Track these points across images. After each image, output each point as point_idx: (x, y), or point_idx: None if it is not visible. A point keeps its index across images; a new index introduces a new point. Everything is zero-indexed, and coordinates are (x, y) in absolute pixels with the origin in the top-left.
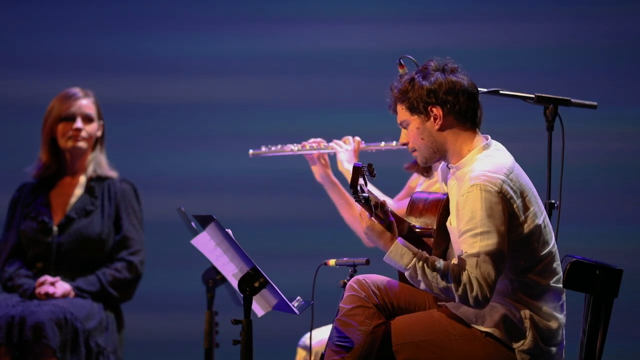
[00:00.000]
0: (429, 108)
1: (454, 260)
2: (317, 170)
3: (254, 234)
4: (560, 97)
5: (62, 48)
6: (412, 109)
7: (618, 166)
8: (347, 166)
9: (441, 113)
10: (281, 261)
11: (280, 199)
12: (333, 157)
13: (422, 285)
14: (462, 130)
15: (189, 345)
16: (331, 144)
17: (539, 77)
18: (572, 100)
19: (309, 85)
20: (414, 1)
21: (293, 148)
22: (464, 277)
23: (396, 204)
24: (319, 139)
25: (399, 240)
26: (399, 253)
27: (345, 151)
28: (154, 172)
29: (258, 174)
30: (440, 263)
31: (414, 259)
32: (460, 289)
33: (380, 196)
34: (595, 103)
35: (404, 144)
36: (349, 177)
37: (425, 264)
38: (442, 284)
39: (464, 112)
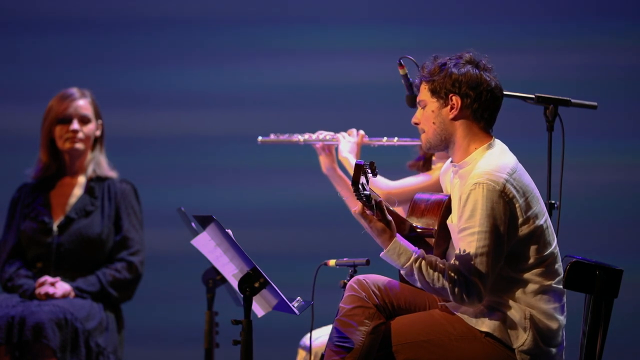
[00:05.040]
0: (450, 96)
1: (451, 260)
2: (323, 162)
3: (254, 234)
4: (560, 98)
5: (57, 79)
6: (434, 92)
7: (619, 166)
8: (345, 155)
9: (459, 104)
10: (281, 261)
11: (281, 200)
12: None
13: (419, 284)
14: (475, 127)
15: (189, 346)
16: (336, 135)
17: (540, 80)
18: (572, 100)
19: (311, 117)
20: (410, 33)
21: (300, 138)
22: (460, 278)
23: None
24: (326, 132)
25: (398, 239)
26: (396, 252)
27: (348, 142)
28: (153, 202)
29: (261, 172)
30: (437, 263)
31: (411, 259)
32: (456, 289)
33: (384, 186)
34: (595, 103)
35: (415, 123)
36: (347, 165)
37: (421, 264)
38: (438, 284)
39: (481, 110)
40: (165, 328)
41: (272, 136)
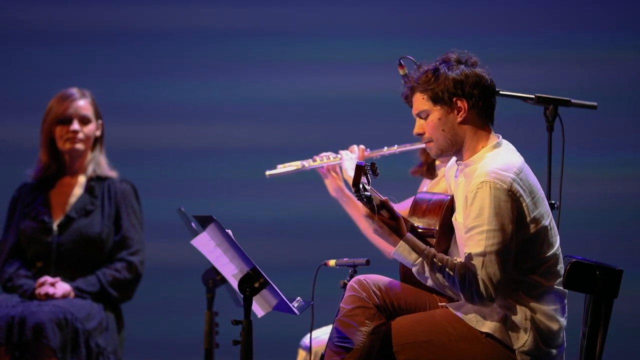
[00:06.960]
0: (454, 100)
1: (459, 259)
2: (330, 184)
3: (254, 234)
4: (560, 98)
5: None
6: (436, 100)
7: (619, 167)
8: (350, 174)
9: (466, 106)
10: (281, 261)
11: (281, 199)
12: None
13: (430, 282)
14: (481, 126)
15: (189, 346)
16: (338, 154)
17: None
18: (572, 100)
19: (312, 128)
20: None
21: (305, 164)
22: (470, 277)
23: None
24: (329, 153)
25: (408, 236)
26: (407, 249)
27: (350, 160)
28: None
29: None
30: (447, 261)
31: (422, 256)
32: (466, 289)
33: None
34: (595, 103)
35: (419, 134)
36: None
37: (433, 260)
38: (449, 281)
39: (486, 107)
40: (165, 328)
41: (279, 166)
